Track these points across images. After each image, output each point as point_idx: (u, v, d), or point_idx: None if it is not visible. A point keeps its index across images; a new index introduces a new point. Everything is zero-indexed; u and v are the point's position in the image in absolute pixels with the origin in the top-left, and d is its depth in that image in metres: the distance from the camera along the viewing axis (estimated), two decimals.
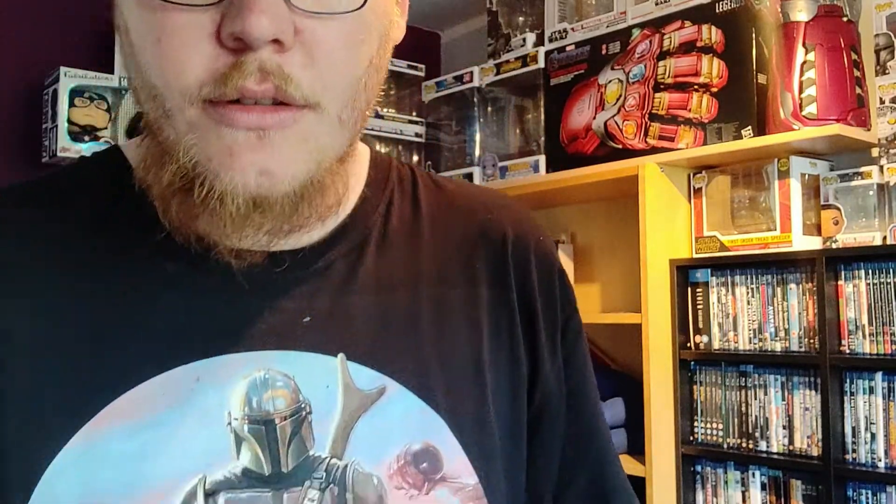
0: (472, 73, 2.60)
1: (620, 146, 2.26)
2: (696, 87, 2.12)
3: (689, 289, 2.20)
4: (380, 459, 0.54)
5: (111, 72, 2.32)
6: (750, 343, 2.08)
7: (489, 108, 2.62)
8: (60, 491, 0.49)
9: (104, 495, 0.49)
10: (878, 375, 1.85)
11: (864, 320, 1.88)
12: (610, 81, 2.32)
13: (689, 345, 2.19)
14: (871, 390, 1.86)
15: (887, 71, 1.97)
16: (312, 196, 0.51)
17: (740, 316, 2.10)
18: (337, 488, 0.53)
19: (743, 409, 2.08)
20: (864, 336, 1.88)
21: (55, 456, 0.49)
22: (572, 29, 2.49)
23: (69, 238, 0.55)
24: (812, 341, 1.96)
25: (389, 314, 0.58)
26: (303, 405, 0.53)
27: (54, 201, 0.57)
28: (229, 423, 0.52)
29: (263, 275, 0.54)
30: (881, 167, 1.95)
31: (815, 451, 1.93)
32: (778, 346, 2.03)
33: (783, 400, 2.01)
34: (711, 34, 2.10)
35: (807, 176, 2.04)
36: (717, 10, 2.10)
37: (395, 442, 0.55)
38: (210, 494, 0.50)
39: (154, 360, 0.51)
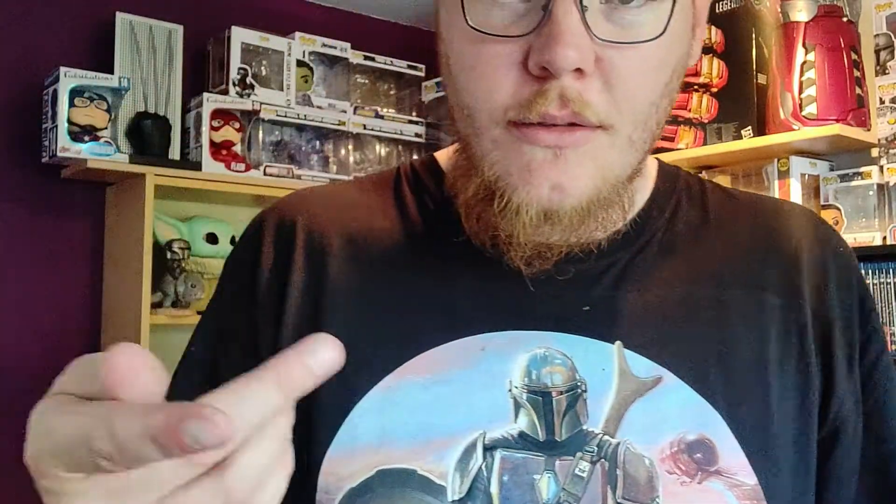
0: None
1: None
2: (696, 87, 2.12)
3: None
4: (652, 443, 0.56)
5: (111, 72, 2.32)
6: None
7: None
8: (361, 430, 0.56)
9: (397, 436, 0.56)
10: None
11: None
12: None
13: None
14: None
15: (887, 71, 1.97)
16: (598, 211, 0.54)
17: None
18: (608, 463, 0.56)
19: None
20: None
21: (360, 400, 0.57)
22: None
23: (393, 224, 0.64)
24: None
25: (668, 310, 0.60)
26: (579, 383, 0.57)
27: (386, 193, 0.67)
28: (510, 390, 0.57)
29: (548, 278, 0.59)
30: (881, 167, 1.95)
31: None
32: None
33: None
34: (711, 34, 2.10)
35: (807, 176, 2.04)
36: (717, 10, 2.10)
37: (668, 429, 0.57)
38: (488, 449, 0.55)
39: (448, 329, 0.58)
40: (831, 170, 2.07)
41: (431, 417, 0.56)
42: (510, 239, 0.56)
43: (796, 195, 2.01)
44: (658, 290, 0.60)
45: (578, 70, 0.50)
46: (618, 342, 0.58)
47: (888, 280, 1.85)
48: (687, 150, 2.12)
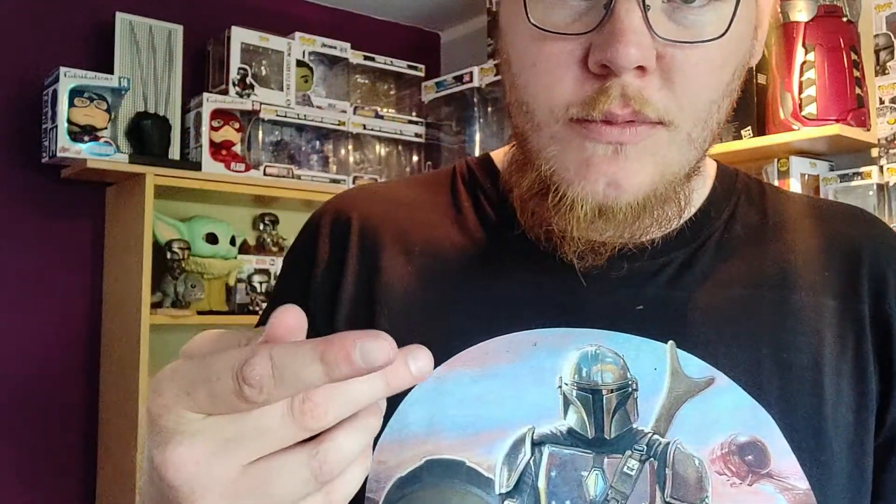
0: (472, 73, 2.60)
1: None
2: None
3: None
4: (703, 443, 0.56)
5: (111, 72, 2.32)
6: None
7: (489, 108, 2.62)
8: (412, 419, 0.56)
9: (446, 427, 0.56)
10: None
11: None
12: None
13: None
14: None
15: (887, 71, 1.97)
16: (654, 207, 0.55)
17: None
18: (657, 462, 0.55)
19: None
20: None
21: (411, 390, 0.56)
22: None
23: (447, 221, 0.65)
24: None
25: (723, 311, 0.60)
26: (630, 382, 0.57)
27: (442, 191, 0.67)
28: (560, 387, 0.57)
29: (602, 274, 0.59)
30: (881, 167, 1.95)
31: None
32: None
33: None
34: None
35: (806, 176, 2.04)
36: None
37: (720, 430, 0.56)
38: (537, 444, 0.56)
39: (500, 323, 0.58)
40: (831, 170, 2.07)
41: (480, 410, 0.56)
42: (563, 234, 0.56)
43: None
44: (713, 291, 0.60)
45: (640, 68, 0.50)
46: (671, 342, 0.58)
47: None
48: None
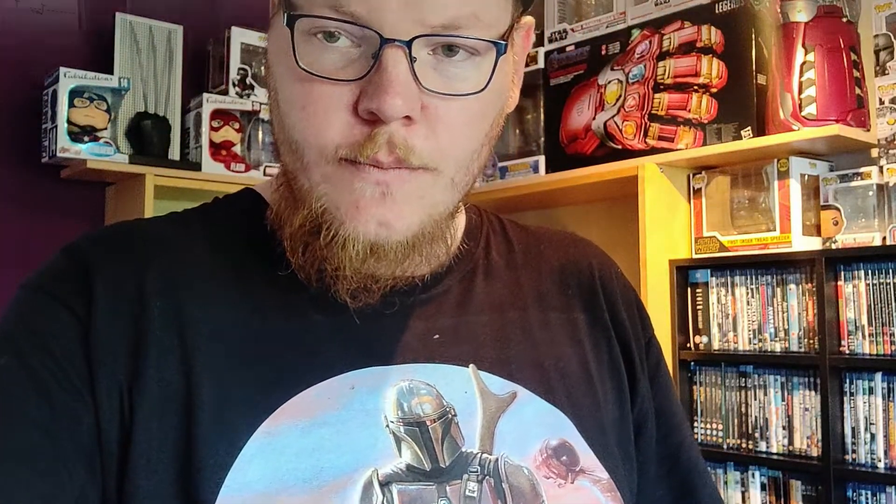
0: None
1: (620, 147, 2.27)
2: (695, 87, 2.12)
3: (689, 289, 2.20)
4: (525, 453, 0.60)
5: (111, 72, 2.32)
6: (750, 343, 2.08)
7: None
8: (252, 477, 0.54)
9: (292, 482, 0.55)
10: (878, 376, 1.85)
11: (864, 321, 1.88)
12: (610, 82, 2.32)
13: (688, 345, 2.19)
14: (871, 391, 1.86)
15: (887, 71, 1.97)
16: (422, 246, 0.57)
17: (740, 316, 2.10)
18: (493, 479, 0.59)
19: (742, 409, 2.08)
20: (863, 336, 1.89)
21: (242, 448, 0.55)
22: (572, 29, 2.49)
23: (219, 263, 0.61)
24: (812, 342, 1.96)
25: (506, 331, 0.65)
26: (447, 409, 0.60)
27: (208, 230, 0.64)
28: (387, 426, 0.58)
29: (379, 311, 0.61)
30: (881, 168, 1.95)
31: (814, 452, 1.93)
32: (777, 347, 2.03)
33: (783, 400, 2.01)
34: (711, 35, 2.10)
35: (806, 176, 2.05)
36: (716, 11, 2.10)
37: (534, 438, 0.61)
38: (384, 484, 0.56)
39: (313, 371, 0.58)
40: (831, 170, 2.07)
41: (321, 460, 0.55)
42: (337, 272, 0.57)
43: (796, 195, 2.01)
44: (493, 314, 0.66)
45: (406, 117, 0.53)
46: (472, 365, 0.62)
47: (888, 280, 1.85)
48: (686, 151, 2.12)
